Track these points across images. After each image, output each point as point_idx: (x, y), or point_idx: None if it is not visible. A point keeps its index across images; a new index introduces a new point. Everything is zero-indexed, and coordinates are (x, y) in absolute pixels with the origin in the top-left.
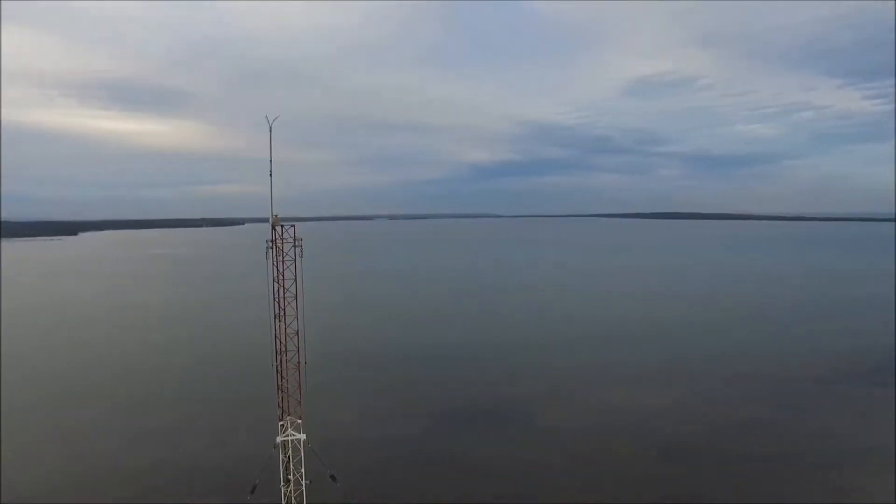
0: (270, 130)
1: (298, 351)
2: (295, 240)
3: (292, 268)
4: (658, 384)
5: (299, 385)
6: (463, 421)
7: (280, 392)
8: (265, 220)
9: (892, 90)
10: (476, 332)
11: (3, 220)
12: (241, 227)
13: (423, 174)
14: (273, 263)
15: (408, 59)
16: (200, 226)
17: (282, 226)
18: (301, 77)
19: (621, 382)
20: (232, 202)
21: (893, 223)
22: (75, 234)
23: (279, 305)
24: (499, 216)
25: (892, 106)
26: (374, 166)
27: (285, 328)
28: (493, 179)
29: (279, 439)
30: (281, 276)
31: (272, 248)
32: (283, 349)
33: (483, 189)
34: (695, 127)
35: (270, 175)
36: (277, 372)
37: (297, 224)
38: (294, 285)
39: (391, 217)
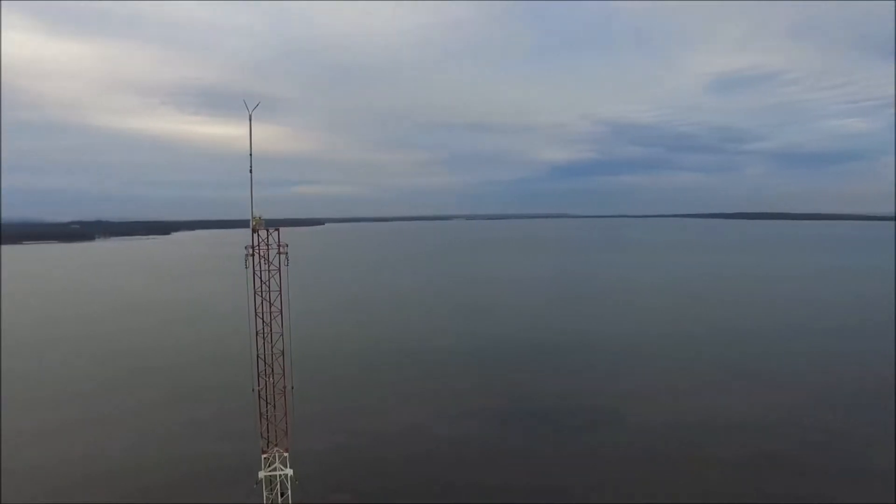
0: (250, 119)
1: (284, 374)
2: (279, 246)
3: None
4: (756, 387)
5: (286, 413)
6: (538, 424)
7: (263, 420)
8: (346, 220)
9: None
10: (566, 333)
11: (106, 220)
12: (321, 227)
13: (501, 174)
14: (260, 273)
15: (490, 59)
16: (283, 225)
17: (267, 230)
18: (385, 79)
19: (714, 384)
20: (314, 202)
21: None
22: (168, 233)
23: (263, 321)
24: (576, 216)
25: None
26: (453, 167)
27: (270, 347)
28: (570, 179)
29: (262, 474)
30: (267, 287)
31: (253, 255)
32: (270, 371)
33: (560, 189)
34: (782, 123)
35: (251, 171)
36: (260, 398)
37: (376, 224)
38: (284, 296)
39: (469, 217)
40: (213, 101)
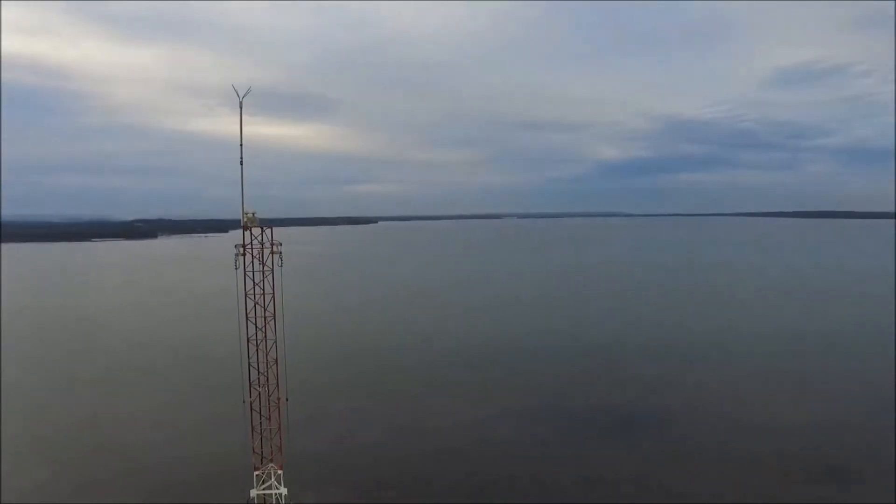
0: (241, 106)
1: (278, 384)
2: (273, 245)
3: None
4: (826, 397)
5: (280, 427)
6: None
7: (255, 434)
8: (399, 219)
9: None
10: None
11: (168, 218)
12: (374, 225)
13: (552, 172)
14: (253, 275)
15: (544, 57)
16: (338, 224)
17: (261, 227)
18: (439, 78)
19: (783, 394)
20: (368, 201)
21: None
22: (226, 231)
23: (256, 326)
24: (629, 215)
25: None
26: (505, 165)
27: (265, 353)
28: (624, 177)
29: (254, 493)
30: (265, 290)
31: (244, 254)
32: (265, 381)
33: (614, 187)
34: (850, 118)
35: (241, 162)
36: (252, 409)
37: (429, 222)
38: (278, 299)
39: (521, 216)
40: (271, 102)
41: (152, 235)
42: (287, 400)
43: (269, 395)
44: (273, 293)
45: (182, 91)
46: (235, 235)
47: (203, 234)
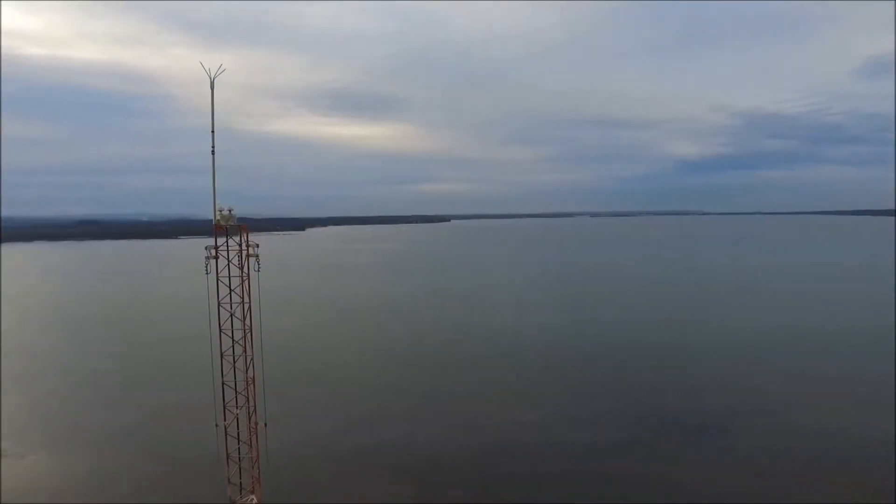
0: (212, 87)
1: (255, 407)
2: (247, 247)
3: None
4: None
5: (257, 457)
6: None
7: (230, 463)
8: (471, 217)
9: None
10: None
11: (248, 217)
12: (446, 223)
13: (626, 170)
14: (239, 280)
15: (618, 53)
16: (411, 222)
17: (242, 229)
18: (510, 76)
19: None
20: (441, 200)
21: None
22: (303, 229)
23: (237, 341)
24: (706, 213)
25: None
26: (576, 162)
27: (252, 370)
28: (700, 174)
29: None
30: (240, 297)
31: (216, 258)
32: (245, 401)
33: (690, 185)
34: None
35: (213, 151)
36: (227, 435)
37: (500, 221)
38: (255, 309)
39: (593, 215)
40: (343, 103)
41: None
42: (266, 425)
43: (250, 418)
44: (250, 302)
45: (260, 93)
46: (312, 233)
47: (281, 232)
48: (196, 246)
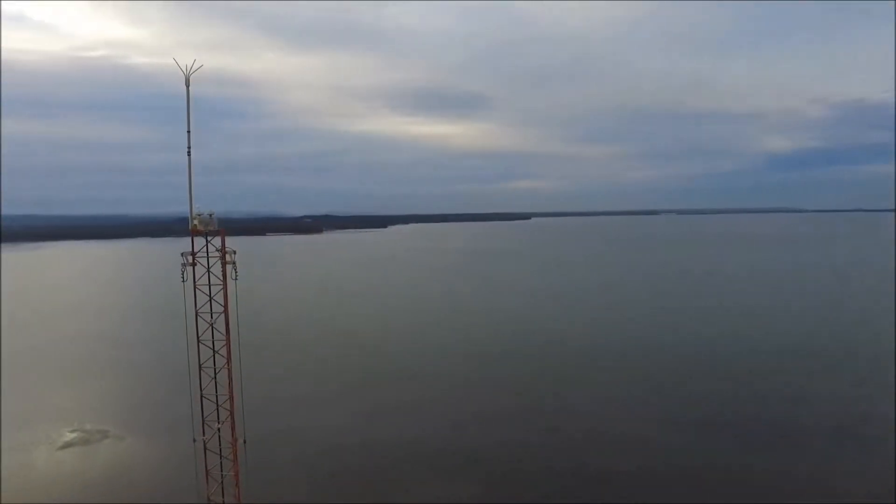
0: (188, 85)
1: (234, 423)
2: (224, 253)
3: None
4: None
5: (236, 478)
6: None
7: (211, 480)
8: (551, 215)
9: None
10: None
11: (333, 214)
12: (527, 221)
13: (713, 166)
14: (211, 288)
15: (701, 46)
16: (491, 220)
17: (220, 233)
18: (589, 72)
19: None
20: (521, 198)
21: None
22: (385, 226)
23: (216, 351)
24: (801, 210)
25: None
26: (660, 159)
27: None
28: (794, 169)
29: None
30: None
31: (193, 264)
32: (229, 414)
33: (783, 181)
34: None
35: (189, 152)
36: (206, 450)
37: (582, 219)
38: (232, 319)
39: (679, 212)
40: (427, 102)
41: (318, 230)
42: (245, 442)
43: (233, 433)
44: (227, 310)
45: (347, 94)
46: (393, 231)
47: (365, 229)
48: (281, 243)
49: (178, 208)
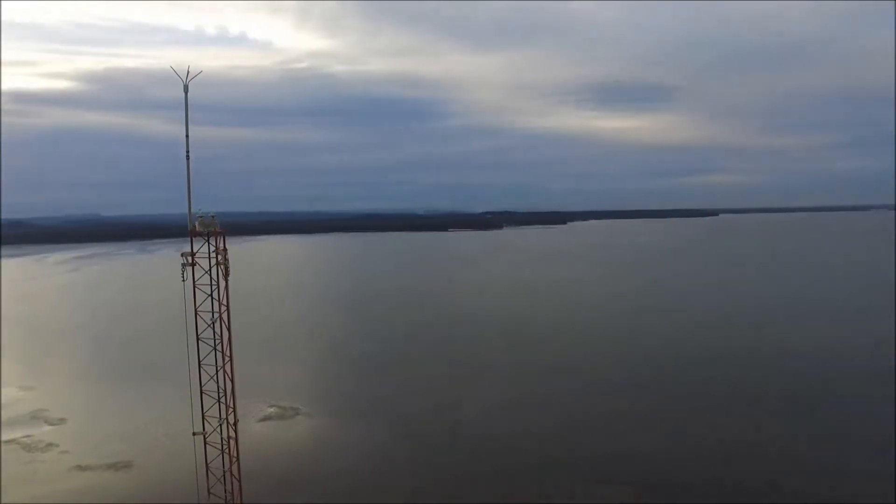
0: (186, 91)
1: (231, 428)
2: (218, 255)
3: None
4: None
5: (232, 477)
6: None
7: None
8: (743, 211)
9: None
10: None
11: (512, 211)
12: (714, 217)
13: None
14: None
15: None
16: (672, 216)
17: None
18: (785, 59)
19: None
20: (707, 193)
21: None
22: (564, 223)
23: (219, 349)
24: None
25: None
26: (870, 148)
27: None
28: None
29: None
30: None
31: (192, 265)
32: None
33: None
34: None
35: (188, 156)
36: (207, 444)
37: (777, 215)
38: (225, 319)
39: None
40: (608, 96)
41: (498, 226)
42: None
43: (232, 427)
44: (220, 310)
45: (528, 91)
46: (573, 227)
47: (544, 226)
48: (462, 238)
49: (365, 205)
